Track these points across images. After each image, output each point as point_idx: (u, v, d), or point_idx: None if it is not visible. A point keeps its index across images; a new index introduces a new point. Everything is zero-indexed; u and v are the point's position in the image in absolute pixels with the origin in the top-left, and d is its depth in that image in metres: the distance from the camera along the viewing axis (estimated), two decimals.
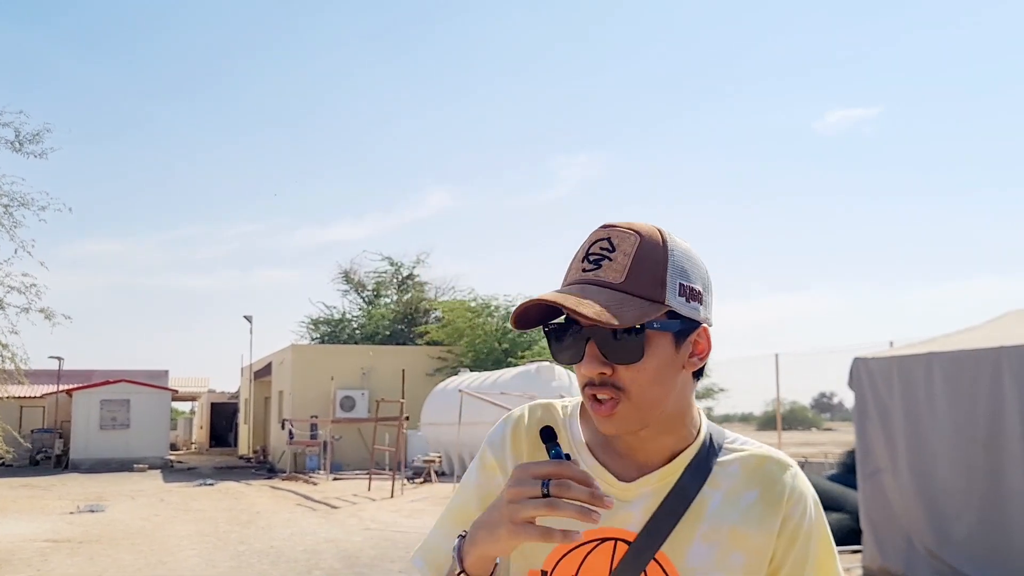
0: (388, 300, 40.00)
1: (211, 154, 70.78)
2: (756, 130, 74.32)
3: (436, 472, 22.39)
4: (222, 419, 43.40)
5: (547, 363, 23.08)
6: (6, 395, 10.96)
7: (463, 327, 30.95)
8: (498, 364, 28.58)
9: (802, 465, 13.73)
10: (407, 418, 21.59)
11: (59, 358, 34.06)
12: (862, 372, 8.36)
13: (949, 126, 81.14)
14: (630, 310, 1.19)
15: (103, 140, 68.95)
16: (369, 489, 20.37)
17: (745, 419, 45.38)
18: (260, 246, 72.22)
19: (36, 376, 35.88)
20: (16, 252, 9.50)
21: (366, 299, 40.57)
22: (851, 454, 13.25)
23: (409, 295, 39.00)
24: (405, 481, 20.74)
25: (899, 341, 11.93)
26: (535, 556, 1.32)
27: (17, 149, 9.79)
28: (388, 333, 36.87)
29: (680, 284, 1.24)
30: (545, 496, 1.08)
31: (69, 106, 63.98)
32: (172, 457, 33.50)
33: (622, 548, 1.28)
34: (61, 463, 31.03)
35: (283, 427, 27.98)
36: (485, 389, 21.63)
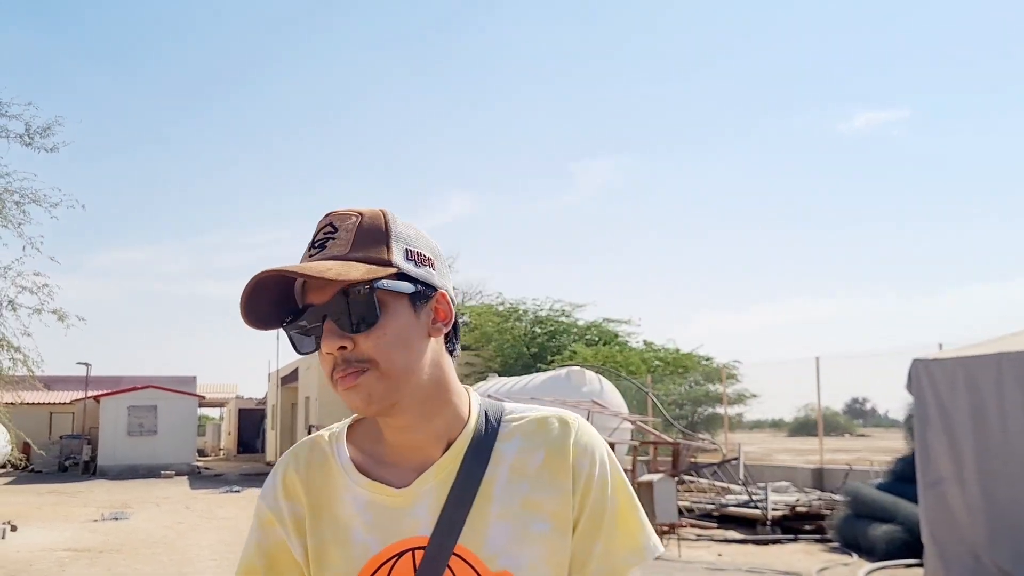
0: None
1: (235, 161, 71.03)
2: (781, 133, 73.41)
3: None
4: (250, 425, 43.20)
5: (578, 368, 22.59)
6: (19, 401, 10.59)
7: (491, 331, 30.52)
8: (527, 369, 28.10)
9: (846, 474, 13.27)
10: None
11: (87, 364, 33.95)
12: (922, 374, 7.79)
13: (980, 128, 79.79)
14: (355, 270, 1.19)
15: (128, 149, 69.35)
16: None
17: (776, 425, 44.67)
18: (285, 252, 72.34)
19: (65, 382, 35.96)
20: (24, 249, 9.13)
21: None
22: (901, 461, 12.66)
23: None
24: None
25: (930, 344, 11.38)
26: None
27: (27, 143, 9.47)
28: None
29: (407, 249, 1.26)
30: None
31: (95, 115, 64.42)
32: (199, 463, 33.30)
33: (420, 555, 1.24)
34: (89, 469, 30.89)
35: (310, 433, 27.62)
36: (515, 394, 21.17)
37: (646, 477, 12.51)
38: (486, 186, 70.80)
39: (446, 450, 1.29)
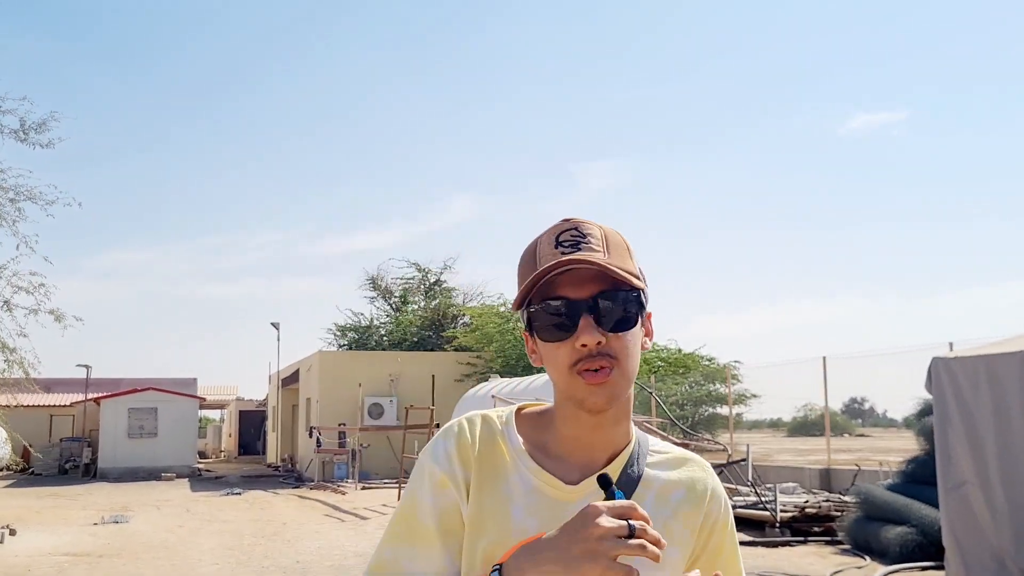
0: (416, 306, 39.49)
1: (236, 163, 70.81)
2: (780, 134, 73.24)
3: None
4: (250, 427, 43.00)
5: None
6: (15, 403, 10.40)
7: (492, 332, 30.35)
8: (528, 370, 27.90)
9: (855, 475, 13.04)
10: (437, 425, 20.98)
11: (87, 366, 33.80)
12: (942, 372, 7.59)
13: (979, 128, 79.61)
14: (635, 279, 1.31)
15: (129, 150, 69.15)
16: (399, 499, 19.71)
17: (775, 425, 44.45)
18: (286, 254, 72.18)
19: (65, 384, 35.82)
20: (18, 248, 8.93)
21: (393, 305, 40.09)
22: (912, 462, 12.47)
23: (437, 301, 38.46)
24: None
25: (938, 344, 11.22)
26: (487, 556, 1.33)
27: (22, 139, 9.29)
28: (416, 339, 36.34)
29: (640, 268, 1.37)
30: (630, 536, 1.15)
31: (98, 117, 64.19)
32: (200, 465, 33.11)
33: None
34: (89, 472, 30.69)
35: (311, 435, 27.47)
36: (517, 395, 20.98)
37: None
38: (487, 188, 70.60)
39: (611, 460, 1.39)
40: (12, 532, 14.72)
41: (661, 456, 1.44)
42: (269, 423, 38.47)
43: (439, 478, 1.38)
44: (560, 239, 1.35)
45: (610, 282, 1.30)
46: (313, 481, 25.77)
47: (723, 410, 27.85)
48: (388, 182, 71.28)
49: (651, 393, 22.64)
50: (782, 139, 73.07)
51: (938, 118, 79.19)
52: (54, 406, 35.81)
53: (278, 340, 33.60)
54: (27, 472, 31.22)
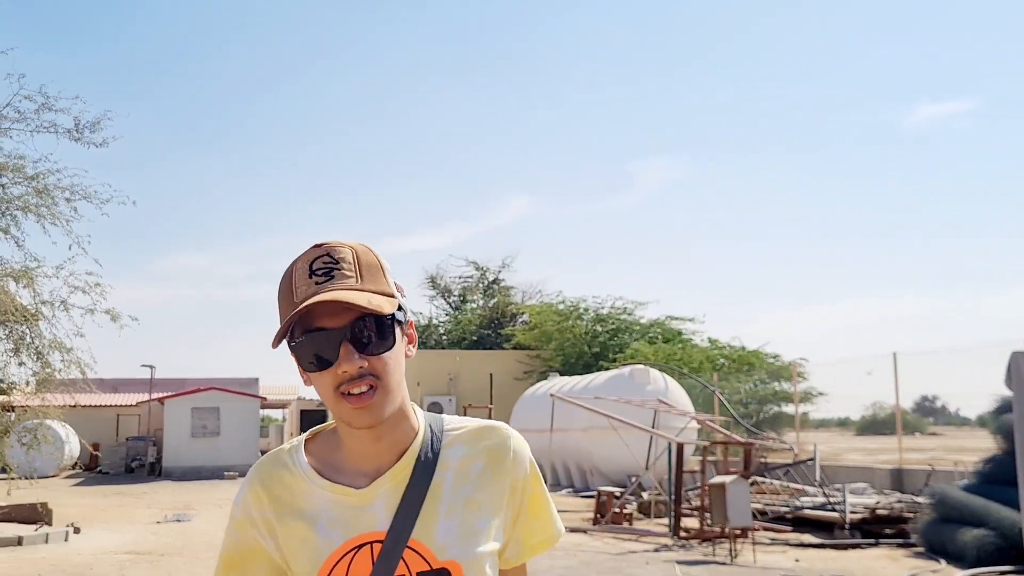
0: (474, 305, 39.43)
1: (292, 166, 71.57)
2: (842, 127, 71.76)
3: None
4: (311, 426, 43.21)
5: (641, 366, 22.08)
6: (74, 403, 10.45)
7: (551, 330, 30.10)
8: (588, 368, 27.64)
9: (928, 475, 12.53)
10: None
11: (151, 367, 34.30)
12: (1023, 368, 7.17)
13: None
14: (383, 302, 1.38)
15: (187, 155, 70.32)
16: None
17: (842, 424, 43.48)
18: None
19: (131, 385, 36.43)
20: (71, 248, 8.95)
21: (452, 304, 40.11)
22: (989, 461, 11.94)
23: (495, 299, 38.36)
24: None
25: (1016, 340, 10.66)
26: (307, 573, 1.43)
27: (76, 138, 9.27)
28: (475, 338, 36.27)
29: (395, 283, 1.46)
30: None
31: (156, 122, 65.37)
32: None
33: (378, 547, 1.41)
34: (154, 471, 31.14)
35: None
36: (576, 394, 20.74)
37: (718, 479, 11.98)
38: (544, 187, 70.39)
39: (400, 457, 1.46)
40: (76, 530, 14.87)
41: (456, 433, 1.52)
42: (329, 421, 38.69)
43: (240, 520, 1.52)
44: (313, 267, 1.40)
45: (384, 314, 1.37)
46: None
47: (788, 408, 27.27)
48: (444, 182, 71.54)
49: (714, 392, 22.19)
50: (845, 132, 71.66)
51: (1008, 106, 76.91)
52: (120, 406, 36.43)
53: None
54: (95, 471, 31.80)
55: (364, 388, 1.37)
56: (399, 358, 1.43)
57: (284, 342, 1.42)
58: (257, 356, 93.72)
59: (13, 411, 10.97)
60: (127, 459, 32.14)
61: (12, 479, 12.77)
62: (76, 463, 30.36)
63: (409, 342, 1.48)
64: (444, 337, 37.72)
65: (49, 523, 15.00)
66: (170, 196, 67.39)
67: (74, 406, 10.75)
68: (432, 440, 1.49)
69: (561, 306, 31.76)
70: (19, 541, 13.65)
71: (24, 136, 9.38)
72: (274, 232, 75.81)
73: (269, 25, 77.34)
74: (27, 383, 9.30)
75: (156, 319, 68.72)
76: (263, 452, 39.93)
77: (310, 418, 43.36)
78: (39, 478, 19.21)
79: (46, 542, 13.95)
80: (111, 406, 35.53)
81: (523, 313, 35.69)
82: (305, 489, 1.47)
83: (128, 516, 17.77)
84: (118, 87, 68.05)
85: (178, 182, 70.58)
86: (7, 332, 9.04)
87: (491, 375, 21.61)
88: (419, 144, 72.47)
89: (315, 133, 73.28)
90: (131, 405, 36.43)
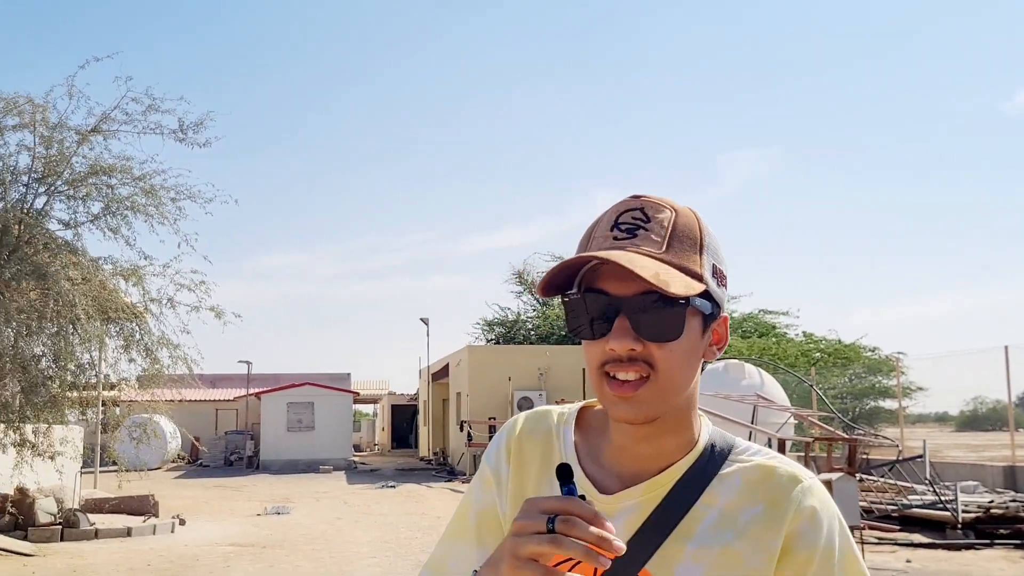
0: None
1: (383, 164, 72.43)
2: (939, 114, 69.39)
3: None
4: (402, 421, 43.82)
5: (736, 361, 21.65)
6: (180, 398, 10.70)
7: None
8: None
9: None
10: None
11: (248, 363, 35.08)
12: None
13: None
14: (677, 281, 1.12)
15: (280, 156, 71.71)
16: None
17: (941, 419, 42.07)
18: (432, 252, 73.43)
19: (229, 380, 37.36)
20: (179, 246, 9.15)
21: (540, 300, 40.01)
22: None
23: None
24: None
25: None
26: None
27: (181, 139, 9.47)
28: (563, 333, 36.12)
29: (714, 265, 1.20)
30: (550, 532, 0.99)
31: (248, 122, 66.83)
32: (356, 458, 33.87)
33: (601, 569, 1.10)
34: (252, 464, 31.84)
35: (461, 429, 27.63)
36: None
37: (823, 476, 11.64)
38: (631, 181, 69.87)
39: (664, 471, 1.22)
40: (182, 522, 15.26)
41: (741, 465, 1.23)
42: (420, 417, 39.06)
43: (486, 475, 1.35)
44: (620, 220, 1.20)
45: (675, 295, 1.11)
46: (465, 475, 25.91)
47: (886, 403, 26.49)
48: (531, 178, 71.53)
49: (811, 386, 21.65)
50: (942, 120, 69.31)
51: None
52: (219, 400, 37.35)
53: (427, 335, 34.07)
54: (196, 464, 32.69)
55: (632, 376, 1.14)
56: (690, 354, 1.17)
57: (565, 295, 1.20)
58: (349, 352, 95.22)
59: (119, 405, 11.29)
60: (226, 452, 32.95)
61: (122, 472, 13.13)
62: (180, 456, 31.19)
63: (715, 342, 1.22)
64: (532, 332, 37.71)
65: (156, 515, 15.42)
66: (263, 195, 68.86)
67: (180, 401, 11.00)
68: (709, 462, 1.23)
69: None
70: (128, 532, 14.06)
71: (131, 138, 9.61)
72: (366, 230, 76.97)
73: (363, 23, 78.40)
74: (136, 379, 9.53)
75: (251, 316, 70.29)
76: (355, 447, 40.66)
77: (401, 413, 43.86)
78: (145, 470, 19.87)
79: (154, 533, 14.34)
80: (210, 401, 36.46)
81: None
82: (549, 461, 1.28)
83: (229, 508, 18.17)
84: (217, 87, 69.80)
85: (270, 181, 72.11)
86: (118, 329, 9.28)
87: (583, 370, 21.45)
88: (506, 140, 72.64)
89: (407, 130, 74.09)
90: (229, 400, 37.33)
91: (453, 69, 73.51)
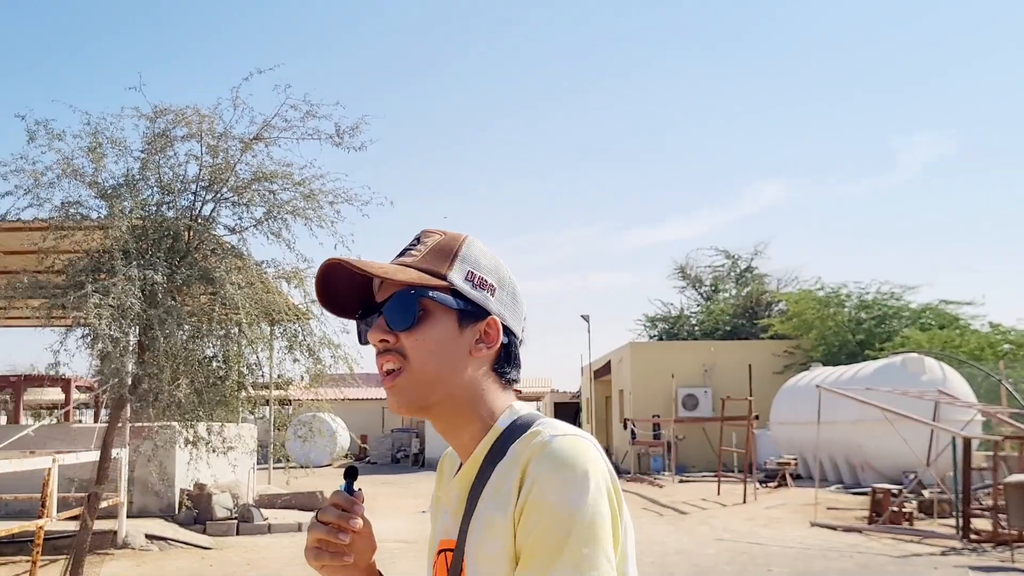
0: (727, 294, 38.34)
1: (538, 162, 72.70)
2: None
3: (791, 475, 20.54)
4: (565, 418, 43.25)
5: (915, 355, 20.48)
6: (342, 397, 10.90)
7: (811, 319, 28.65)
8: (852, 357, 26.06)
9: None
10: (756, 417, 19.97)
11: None
12: None
13: None
14: (404, 274, 1.31)
15: (435, 155, 73.08)
16: (718, 493, 19.01)
17: None
18: (593, 249, 73.17)
19: None
20: (336, 248, 9.25)
21: (704, 294, 39.22)
22: None
23: (749, 288, 37.13)
24: (757, 485, 19.10)
25: None
26: None
27: (337, 143, 9.59)
28: (729, 328, 35.26)
29: (469, 271, 1.35)
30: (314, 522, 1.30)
31: (400, 122, 68.41)
32: None
33: (449, 556, 1.31)
34: (418, 461, 32.51)
35: (625, 427, 27.32)
36: (843, 385, 19.52)
37: (1016, 477, 10.77)
38: (797, 171, 67.41)
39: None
40: None
41: (520, 440, 1.28)
42: (583, 415, 38.94)
43: (434, 489, 1.55)
44: (403, 249, 1.40)
45: (403, 283, 1.31)
46: (629, 473, 25.59)
47: None
48: (695, 170, 70.16)
49: (1000, 380, 20.19)
50: None
51: None
52: (385, 399, 38.35)
53: (588, 332, 33.82)
54: (364, 461, 33.64)
55: (389, 365, 1.31)
56: (443, 346, 1.31)
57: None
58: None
59: (290, 404, 11.60)
60: (393, 450, 33.76)
61: (291, 468, 13.51)
62: (347, 453, 32.17)
63: (484, 340, 1.34)
64: (696, 328, 36.96)
65: None
66: (417, 195, 70.43)
67: (343, 400, 11.20)
68: (503, 444, 1.30)
69: (821, 293, 30.16)
70: (299, 527, 14.51)
71: (291, 144, 9.80)
72: (528, 228, 77.53)
73: (513, 23, 79.08)
74: (301, 378, 9.75)
75: None
76: None
77: (563, 411, 43.88)
78: (314, 467, 20.53)
79: None
80: (377, 399, 37.49)
81: (779, 301, 34.31)
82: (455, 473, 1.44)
83: (395, 505, 18.52)
84: (371, 91, 71.91)
85: (423, 180, 73.71)
86: (282, 331, 9.50)
87: (750, 366, 20.74)
88: (666, 133, 71.59)
89: (563, 125, 74.21)
90: None
91: (612, 62, 73.05)
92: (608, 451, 31.73)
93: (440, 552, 1.35)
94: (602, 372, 33.78)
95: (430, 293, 1.31)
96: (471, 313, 1.33)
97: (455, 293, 1.32)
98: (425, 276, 1.31)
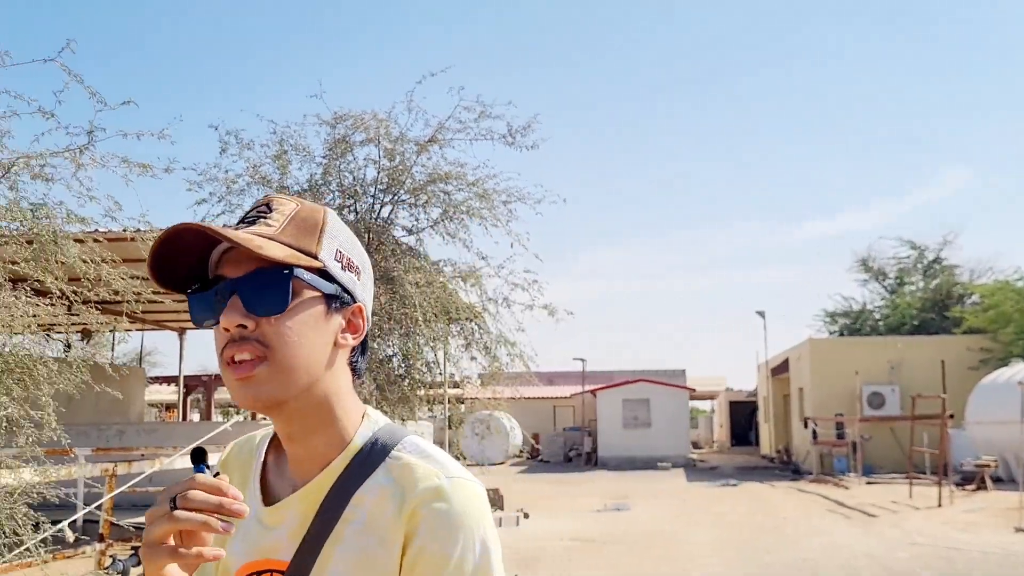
0: (913, 287, 36.40)
1: (708, 156, 71.31)
2: None
3: (991, 478, 19.25)
4: (741, 418, 42.77)
5: None
6: (518, 396, 10.96)
7: (1010, 311, 26.76)
8: None
9: None
10: (951, 416, 18.82)
11: (582, 360, 35.84)
12: None
13: None
14: (278, 250, 1.13)
15: (600, 150, 72.79)
16: (910, 496, 18.02)
17: None
18: (763, 242, 71.22)
19: (564, 378, 38.46)
20: (512, 247, 9.33)
21: (888, 288, 37.35)
22: None
23: (938, 280, 35.10)
24: (952, 488, 17.99)
25: None
26: None
27: (510, 142, 9.66)
28: (916, 323, 33.45)
29: (337, 250, 1.21)
30: (171, 511, 1.01)
31: (567, 119, 68.49)
32: (694, 456, 33.48)
33: None
34: (591, 460, 32.45)
35: (806, 426, 26.37)
36: None
37: None
38: (988, 156, 63.36)
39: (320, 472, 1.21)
40: (526, 515, 15.73)
41: (395, 462, 1.19)
42: (760, 414, 37.88)
43: None
44: (246, 215, 1.21)
45: (269, 260, 1.12)
46: (811, 474, 24.66)
47: None
48: (867, 160, 67.14)
49: None
50: None
51: None
52: (556, 398, 38.48)
53: (764, 329, 32.91)
54: (536, 459, 33.89)
55: (247, 355, 1.12)
56: (310, 334, 1.15)
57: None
58: (682, 347, 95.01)
59: (463, 403, 11.77)
60: (564, 448, 33.83)
61: (467, 466, 13.64)
62: (521, 452, 32.50)
63: (350, 329, 1.21)
64: (880, 323, 35.27)
65: (501, 508, 16.02)
66: (583, 191, 70.35)
67: (518, 398, 11.27)
68: (365, 462, 1.18)
69: (1021, 284, 28.15)
70: None
71: (464, 145, 9.95)
72: (691, 222, 76.28)
73: (687, 7, 77.97)
74: (478, 377, 9.88)
75: (582, 314, 72.15)
76: (694, 444, 40.26)
77: (739, 409, 42.84)
78: (488, 465, 20.87)
79: (500, 525, 14.88)
80: (548, 398, 37.67)
81: (973, 294, 32.29)
82: (250, 488, 1.27)
83: (570, 504, 18.50)
84: (540, 87, 72.42)
85: (590, 177, 73.53)
86: (459, 329, 9.65)
87: (943, 362, 19.59)
88: (844, 121, 68.81)
89: (729, 117, 72.55)
90: (565, 397, 38.35)
91: (785, 48, 70.89)
92: (787, 450, 30.77)
93: (261, 572, 1.19)
94: (779, 370, 32.72)
95: (303, 273, 1.15)
96: (338, 297, 1.20)
97: (325, 274, 1.18)
98: (298, 254, 1.15)
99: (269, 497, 1.25)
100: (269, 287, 1.13)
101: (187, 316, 14.56)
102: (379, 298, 9.52)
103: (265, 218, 1.17)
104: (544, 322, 9.47)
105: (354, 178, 9.89)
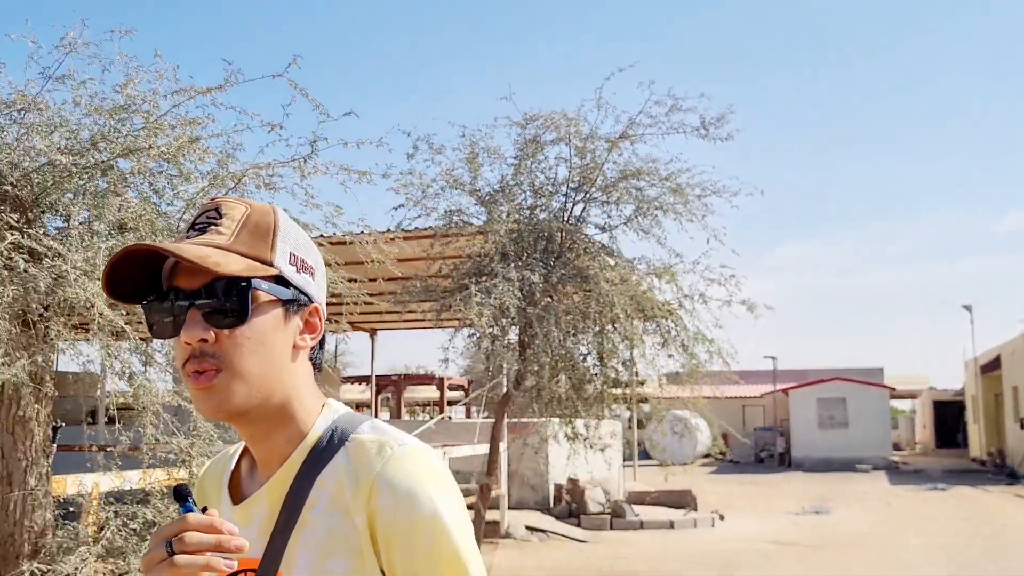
0: None
1: (895, 146, 67.83)
2: None
3: None
4: (947, 418, 40.33)
5: None
6: (720, 395, 10.68)
7: None
8: None
9: None
10: None
11: (773, 358, 34.81)
12: None
13: None
14: (235, 263, 1.13)
15: (788, 141, 70.42)
16: None
17: None
18: (964, 233, 67.15)
19: (754, 376, 37.47)
20: (708, 242, 9.07)
21: None
22: None
23: None
24: None
25: None
26: None
27: (703, 135, 9.42)
28: None
29: (291, 253, 1.20)
30: (169, 556, 1.01)
31: (757, 111, 66.66)
32: (895, 458, 31.88)
33: None
34: (784, 461, 31.46)
35: (1022, 427, 24.61)
36: None
37: None
38: None
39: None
40: (721, 517, 15.39)
41: (350, 445, 1.18)
42: (969, 414, 35.60)
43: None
44: (196, 222, 1.19)
45: (231, 276, 1.12)
46: None
47: None
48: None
49: None
50: None
51: None
52: (745, 397, 37.54)
53: (971, 324, 30.89)
54: (726, 460, 33.13)
55: (208, 367, 1.13)
56: (269, 341, 1.16)
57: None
58: (880, 344, 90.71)
59: (652, 402, 11.59)
60: (756, 449, 32.93)
61: (667, 465, 13.49)
62: (708, 452, 31.77)
63: (307, 330, 1.22)
64: None
65: (695, 509, 15.74)
66: (776, 187, 68.23)
67: (717, 397, 11.00)
68: (325, 449, 1.18)
69: None
70: (671, 524, 14.50)
71: (656, 139, 9.77)
72: (884, 214, 72.73)
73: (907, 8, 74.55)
74: (676, 374, 9.68)
75: (773, 311, 70.09)
76: (894, 445, 38.33)
77: (944, 409, 40.40)
78: (679, 465, 20.58)
79: (694, 527, 14.63)
80: (737, 397, 36.79)
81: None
82: (223, 496, 1.28)
83: (765, 506, 17.98)
84: (735, 78, 70.92)
85: (781, 172, 71.28)
86: (654, 327, 9.48)
87: None
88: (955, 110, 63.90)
89: (914, 100, 68.77)
90: (755, 396, 37.35)
91: (948, 37, 66.54)
92: (1001, 452, 28.77)
93: (236, 574, 1.13)
94: (990, 367, 30.64)
95: (261, 284, 1.15)
96: (295, 301, 1.20)
97: (280, 280, 1.18)
98: (254, 264, 1.15)
99: (239, 501, 1.26)
100: (228, 299, 1.14)
101: (377, 317, 14.94)
102: (572, 296, 9.49)
103: (216, 224, 1.18)
104: (741, 318, 9.17)
105: (545, 177, 9.90)
